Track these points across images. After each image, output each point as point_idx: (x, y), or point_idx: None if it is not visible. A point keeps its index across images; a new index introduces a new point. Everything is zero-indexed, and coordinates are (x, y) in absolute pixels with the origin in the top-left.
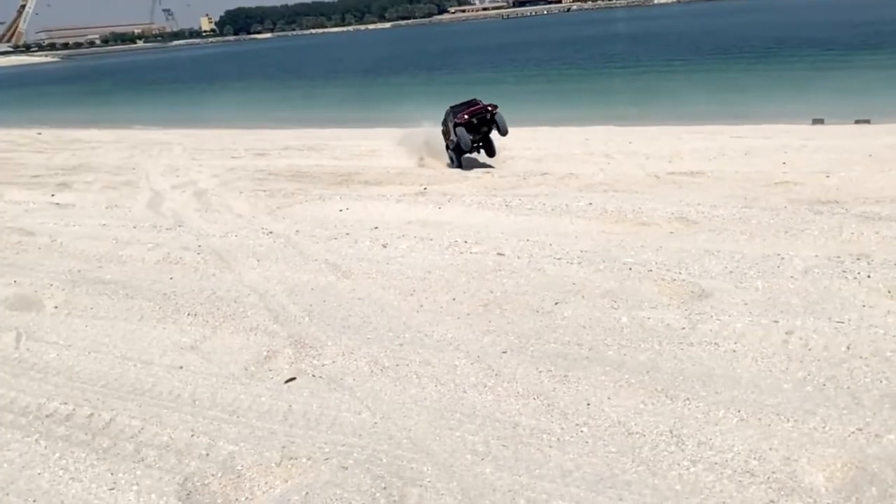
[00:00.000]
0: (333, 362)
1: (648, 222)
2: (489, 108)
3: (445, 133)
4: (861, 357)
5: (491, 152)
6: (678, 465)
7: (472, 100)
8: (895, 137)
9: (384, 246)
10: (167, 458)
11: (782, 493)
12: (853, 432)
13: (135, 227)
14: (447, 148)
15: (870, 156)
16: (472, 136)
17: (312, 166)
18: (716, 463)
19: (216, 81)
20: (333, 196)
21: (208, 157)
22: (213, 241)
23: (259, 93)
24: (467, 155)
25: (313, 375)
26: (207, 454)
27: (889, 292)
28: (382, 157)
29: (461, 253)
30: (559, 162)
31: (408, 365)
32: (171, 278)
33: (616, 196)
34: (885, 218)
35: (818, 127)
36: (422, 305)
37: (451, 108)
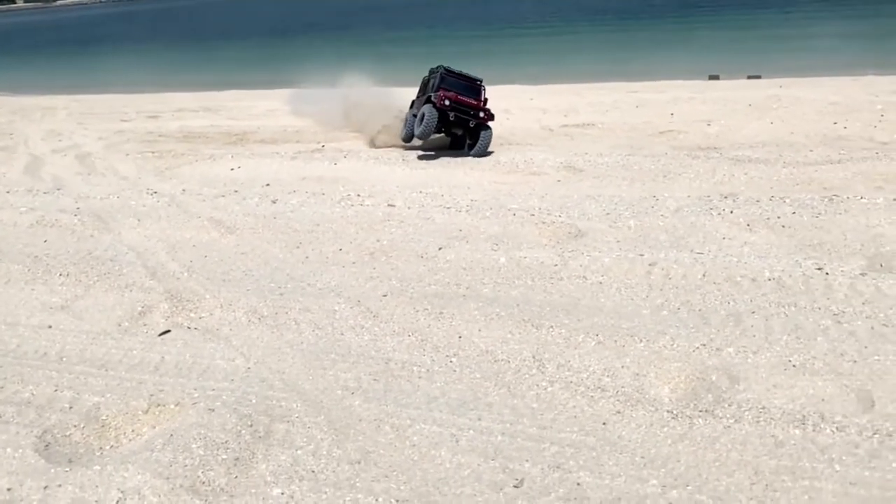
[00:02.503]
0: (211, 314)
1: (538, 172)
2: (482, 117)
3: (416, 100)
4: (714, 283)
5: (459, 144)
6: (537, 385)
7: (476, 81)
8: (777, 90)
9: (273, 202)
10: (26, 414)
11: (628, 404)
12: (697, 348)
13: (8, 192)
14: (404, 121)
15: (750, 105)
16: (437, 126)
17: (206, 127)
18: (572, 382)
19: (107, 44)
20: (225, 155)
21: (95, 120)
22: (92, 204)
23: (154, 56)
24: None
25: (189, 328)
26: (71, 407)
27: (748, 225)
28: (281, 116)
29: (352, 206)
30: None
31: (287, 313)
32: (44, 241)
33: (510, 149)
34: (754, 160)
35: (712, 82)
36: (307, 257)
37: (446, 71)
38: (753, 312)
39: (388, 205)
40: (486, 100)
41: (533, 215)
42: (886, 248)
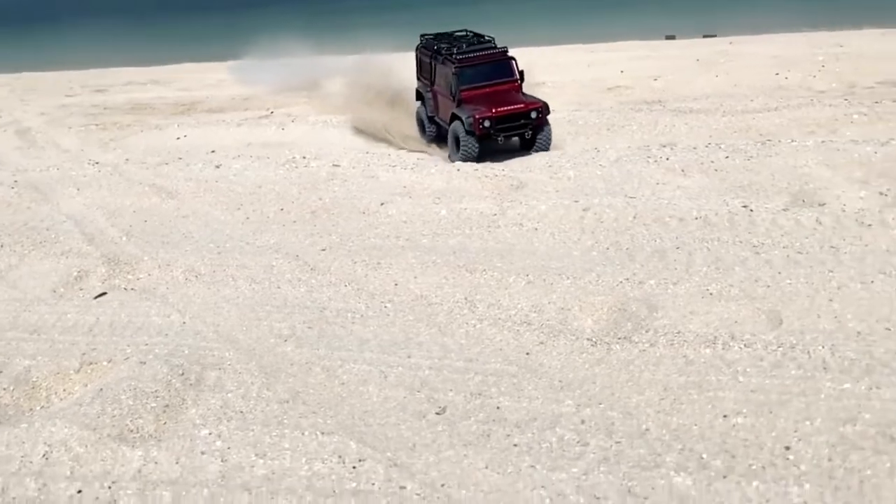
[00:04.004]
0: (149, 275)
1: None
2: (536, 118)
3: (426, 92)
4: (644, 224)
5: (528, 144)
6: (467, 324)
7: (498, 53)
8: (727, 46)
9: (217, 167)
10: None
11: (551, 335)
12: (621, 282)
13: None
14: (421, 122)
15: (698, 61)
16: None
17: (154, 98)
18: (500, 318)
19: (54, 20)
20: (171, 125)
21: (38, 96)
22: (31, 176)
23: (104, 31)
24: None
25: (126, 289)
26: (0, 371)
27: (683, 171)
28: (230, 86)
29: (296, 167)
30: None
31: (224, 270)
32: None
33: None
34: (695, 111)
35: (668, 41)
36: (248, 217)
37: (460, 62)
38: (678, 248)
39: (334, 165)
40: (521, 73)
41: (476, 170)
42: (810, 185)
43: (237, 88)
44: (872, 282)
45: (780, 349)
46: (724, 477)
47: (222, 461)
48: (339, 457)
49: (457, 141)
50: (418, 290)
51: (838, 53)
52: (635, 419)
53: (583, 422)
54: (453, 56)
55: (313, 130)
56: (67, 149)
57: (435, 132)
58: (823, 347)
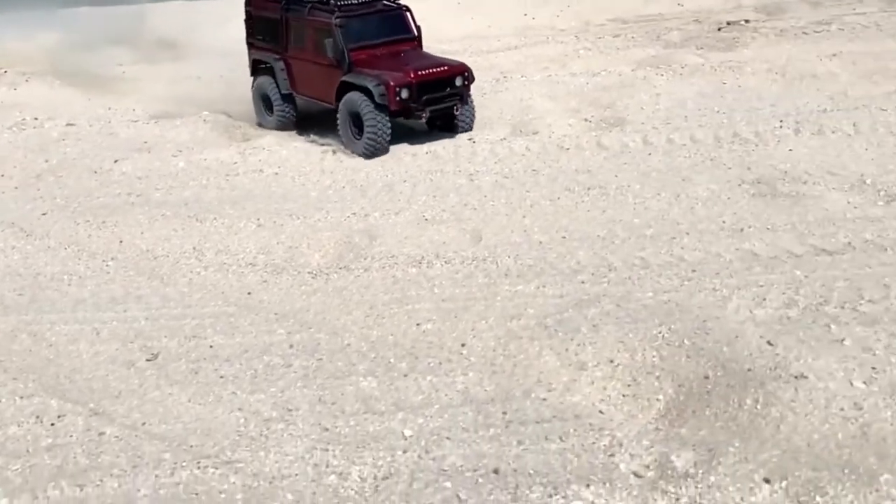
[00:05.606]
0: None
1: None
2: (463, 85)
3: (274, 62)
4: (379, 161)
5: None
6: (192, 272)
7: (391, 4)
8: None
9: None
10: None
11: (275, 273)
12: (349, 216)
13: None
14: (265, 100)
15: (458, 4)
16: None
17: None
18: (225, 263)
19: None
20: None
21: None
22: None
23: None
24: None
25: None
26: None
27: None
28: None
29: (24, 129)
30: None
31: None
32: None
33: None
34: (447, 52)
35: None
36: None
37: (341, 10)
38: (405, 181)
39: (68, 124)
40: (419, 29)
41: (222, 122)
42: (529, 116)
43: None
44: (559, 198)
45: (475, 262)
46: (405, 376)
47: None
48: (37, 417)
49: (356, 121)
50: (144, 245)
51: None
52: (340, 337)
53: (291, 346)
54: (330, 5)
55: (51, 90)
56: None
57: (290, 114)
58: (509, 257)
